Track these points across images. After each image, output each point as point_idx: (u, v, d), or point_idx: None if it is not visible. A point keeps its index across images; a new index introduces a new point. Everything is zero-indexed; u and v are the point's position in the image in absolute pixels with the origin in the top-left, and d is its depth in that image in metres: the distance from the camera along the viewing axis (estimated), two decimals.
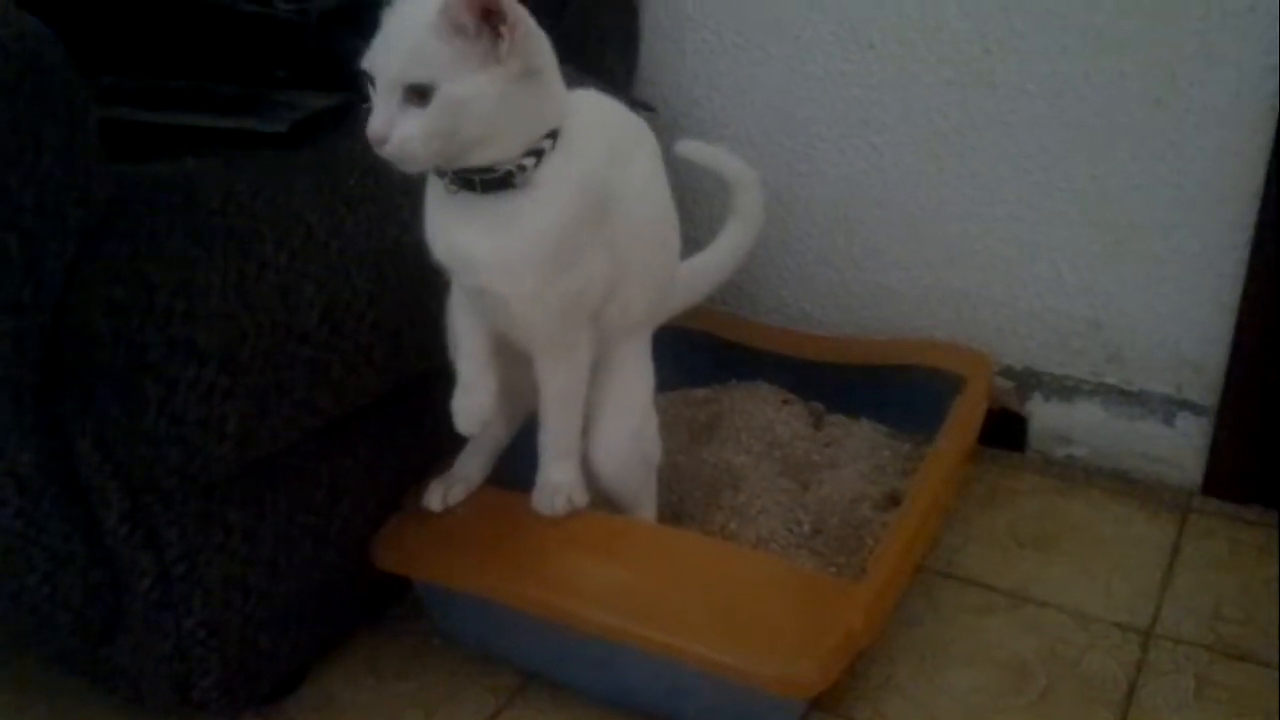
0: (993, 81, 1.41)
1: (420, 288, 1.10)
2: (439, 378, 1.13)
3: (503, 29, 0.90)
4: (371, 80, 0.92)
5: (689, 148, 1.30)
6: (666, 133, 1.55)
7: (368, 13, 0.95)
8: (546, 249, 0.99)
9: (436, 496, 1.17)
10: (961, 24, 1.40)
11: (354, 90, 0.96)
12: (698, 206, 1.55)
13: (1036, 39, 1.37)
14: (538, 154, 0.97)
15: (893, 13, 1.43)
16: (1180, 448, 1.46)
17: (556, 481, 1.14)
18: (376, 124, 0.91)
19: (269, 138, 1.09)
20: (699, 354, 1.52)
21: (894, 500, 1.33)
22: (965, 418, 1.36)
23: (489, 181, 0.96)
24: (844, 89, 1.50)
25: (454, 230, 1.00)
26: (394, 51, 0.91)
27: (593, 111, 1.04)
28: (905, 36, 1.44)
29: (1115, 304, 1.44)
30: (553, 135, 0.98)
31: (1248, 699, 1.15)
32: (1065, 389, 1.51)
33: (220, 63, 1.21)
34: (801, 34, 1.50)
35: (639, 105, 1.47)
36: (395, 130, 0.90)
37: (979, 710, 1.15)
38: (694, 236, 1.48)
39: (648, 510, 1.23)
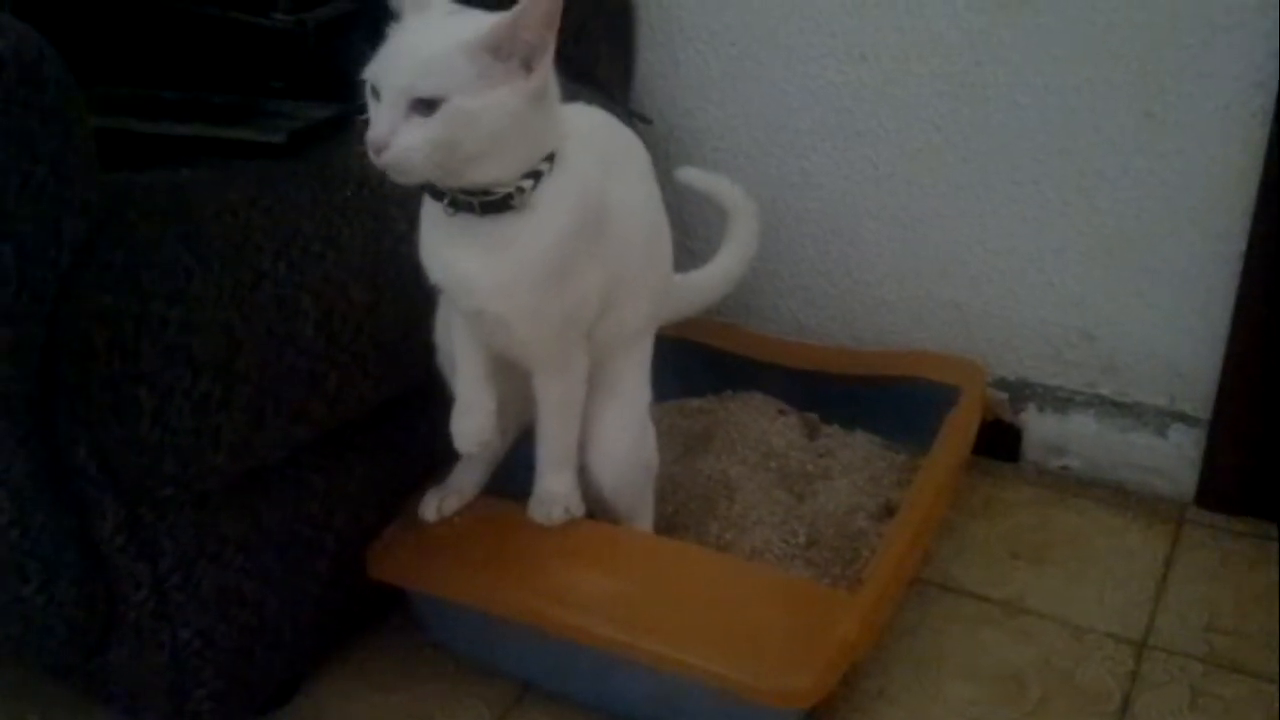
0: (985, 94, 1.41)
1: (416, 299, 1.10)
2: (434, 389, 1.13)
3: (549, 38, 0.90)
4: (374, 90, 0.91)
5: (689, 175, 1.31)
6: (662, 144, 1.56)
7: (364, 23, 0.95)
8: (544, 268, 0.99)
9: (431, 507, 1.17)
10: (954, 36, 1.41)
11: (351, 101, 0.96)
12: (694, 219, 1.55)
13: (1028, 52, 1.37)
14: (535, 176, 0.97)
15: (886, 25, 1.44)
16: (1173, 459, 1.47)
17: (553, 491, 1.14)
18: (380, 130, 0.90)
19: (266, 148, 1.09)
20: (694, 364, 1.52)
21: (889, 511, 1.33)
22: (960, 429, 1.36)
23: (488, 204, 0.96)
24: (837, 101, 1.50)
25: (452, 253, 1.00)
26: (407, 63, 0.90)
27: (585, 127, 1.04)
28: (898, 49, 1.44)
29: (1108, 315, 1.45)
30: (549, 158, 0.98)
31: (1241, 710, 1.15)
32: (1059, 400, 1.51)
33: (216, 73, 1.21)
34: (795, 46, 1.51)
35: (635, 117, 1.47)
36: (397, 138, 0.90)
37: None
38: (691, 248, 1.49)
39: (644, 521, 1.23)
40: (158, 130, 1.11)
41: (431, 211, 1.01)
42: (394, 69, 0.90)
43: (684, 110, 1.61)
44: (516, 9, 0.89)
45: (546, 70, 0.93)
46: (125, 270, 0.93)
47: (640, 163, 1.13)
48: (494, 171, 0.95)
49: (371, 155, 0.91)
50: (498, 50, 0.90)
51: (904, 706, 1.17)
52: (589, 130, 1.05)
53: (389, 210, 1.10)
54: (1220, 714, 1.15)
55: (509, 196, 0.96)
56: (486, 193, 0.96)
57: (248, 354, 0.98)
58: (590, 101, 1.11)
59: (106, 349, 0.92)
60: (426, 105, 0.89)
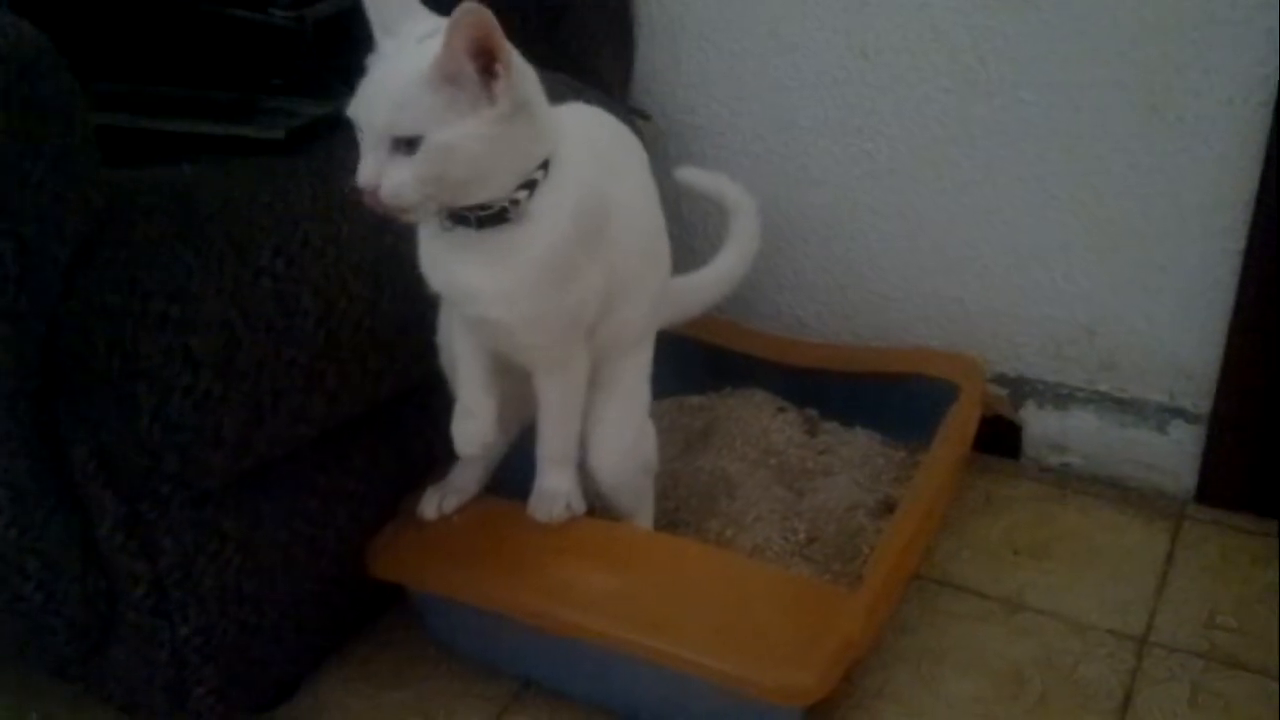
0: (988, 90, 1.41)
1: (416, 296, 1.10)
2: (435, 386, 1.13)
3: (497, 67, 0.89)
4: (359, 128, 0.92)
5: (689, 174, 1.31)
6: (662, 141, 1.56)
7: (363, 20, 0.95)
8: (545, 276, 0.99)
9: (432, 505, 1.17)
10: (957, 33, 1.40)
11: (349, 98, 0.96)
12: (695, 217, 1.55)
13: (1032, 48, 1.37)
14: (530, 185, 0.96)
15: (888, 21, 1.44)
16: (1174, 455, 1.46)
17: (554, 488, 1.14)
18: (366, 173, 0.91)
19: (265, 144, 1.09)
20: (694, 361, 1.52)
21: (889, 508, 1.33)
22: (960, 425, 1.36)
23: (484, 218, 0.96)
24: (840, 97, 1.50)
25: (451, 263, 1.00)
26: (381, 103, 0.90)
27: (583, 130, 1.04)
28: (901, 45, 1.44)
29: (1109, 311, 1.45)
30: (544, 164, 0.97)
31: (1242, 707, 1.15)
32: (1059, 396, 1.51)
33: (216, 70, 1.21)
34: (798, 42, 1.50)
35: (635, 113, 1.47)
36: (385, 179, 0.90)
37: (975, 718, 1.15)
38: (692, 246, 1.48)
39: (645, 518, 1.23)
40: (157, 127, 1.11)
41: (430, 223, 1.01)
42: (371, 110, 0.91)
43: (685, 107, 1.60)
44: (444, 38, 0.88)
45: (514, 93, 0.91)
46: (125, 267, 0.93)
47: (638, 162, 1.12)
48: (486, 193, 0.95)
49: (365, 198, 0.91)
50: (455, 76, 0.89)
51: (904, 703, 1.17)
52: (586, 131, 1.05)
53: None
54: (1221, 710, 1.15)
55: (504, 210, 0.96)
56: (482, 207, 0.96)
57: (248, 351, 0.98)
58: (590, 99, 1.10)
59: (107, 346, 0.92)
60: (408, 144, 0.89)
